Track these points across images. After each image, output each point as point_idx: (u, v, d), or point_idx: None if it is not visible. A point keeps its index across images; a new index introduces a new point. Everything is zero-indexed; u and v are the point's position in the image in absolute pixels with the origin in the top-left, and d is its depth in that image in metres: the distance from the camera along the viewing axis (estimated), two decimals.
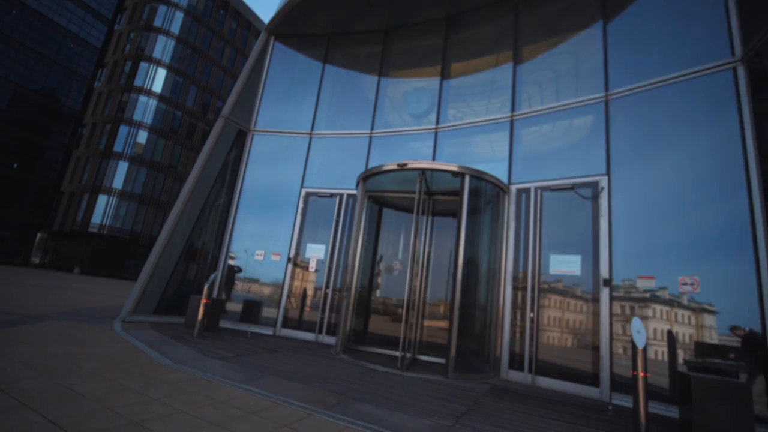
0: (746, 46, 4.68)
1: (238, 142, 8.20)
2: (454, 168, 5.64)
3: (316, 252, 7.17)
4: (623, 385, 4.68)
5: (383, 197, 7.13)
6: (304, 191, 7.62)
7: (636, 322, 3.51)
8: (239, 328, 7.00)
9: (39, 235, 35.23)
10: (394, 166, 5.73)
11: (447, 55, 7.69)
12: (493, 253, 5.93)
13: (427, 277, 6.69)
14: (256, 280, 7.50)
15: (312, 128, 8.10)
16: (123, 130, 32.19)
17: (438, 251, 6.93)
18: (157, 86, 33.43)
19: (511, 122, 6.69)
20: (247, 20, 41.35)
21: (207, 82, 36.89)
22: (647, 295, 4.95)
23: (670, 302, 4.82)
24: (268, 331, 6.99)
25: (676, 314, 4.73)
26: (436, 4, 7.59)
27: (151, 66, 33.44)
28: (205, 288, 5.64)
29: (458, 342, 4.98)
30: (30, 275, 18.91)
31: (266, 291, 7.38)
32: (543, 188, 5.99)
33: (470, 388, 4.35)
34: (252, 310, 7.38)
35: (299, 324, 7.00)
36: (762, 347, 4.01)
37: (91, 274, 29.61)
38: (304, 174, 7.79)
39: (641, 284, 4.96)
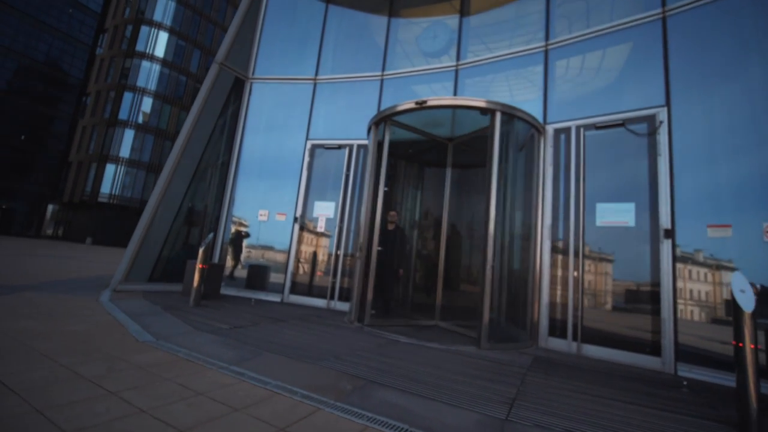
0: None
1: (236, 92, 7.27)
2: (482, 104, 4.68)
3: (324, 210, 6.41)
4: (689, 354, 3.94)
5: (394, 146, 6.21)
6: (309, 143, 6.75)
7: (738, 278, 2.68)
8: (243, 296, 6.43)
9: (51, 207, 35.50)
10: (412, 105, 4.79)
11: None
12: (528, 206, 5.06)
13: (449, 239, 5.91)
14: (260, 243, 6.83)
15: (316, 73, 7.08)
16: (127, 97, 31.26)
17: (461, 209, 6.09)
18: (160, 51, 32.13)
19: (546, 53, 5.61)
20: None
21: (210, 45, 35.25)
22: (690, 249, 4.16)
23: (683, 259, 4.09)
24: (276, 298, 6.40)
25: (690, 271, 4.07)
26: None
27: (152, 29, 32.00)
28: (200, 251, 4.96)
29: (491, 307, 4.26)
30: (40, 246, 18.90)
31: (271, 254, 6.72)
32: (586, 126, 5.03)
33: (509, 360, 3.66)
34: (257, 275, 6.77)
35: (309, 290, 6.39)
36: None
37: (103, 244, 29.88)
38: (309, 124, 6.88)
39: (713, 234, 4.08)
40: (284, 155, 6.91)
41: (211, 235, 5.25)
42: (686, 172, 4.28)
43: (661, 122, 4.52)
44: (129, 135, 32.01)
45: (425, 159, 6.49)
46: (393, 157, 6.37)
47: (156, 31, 32.47)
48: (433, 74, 6.43)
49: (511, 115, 4.77)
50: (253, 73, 7.40)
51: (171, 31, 33.00)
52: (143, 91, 32.03)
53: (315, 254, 6.45)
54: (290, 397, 2.20)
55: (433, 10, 6.87)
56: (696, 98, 4.34)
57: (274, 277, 6.65)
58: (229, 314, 4.64)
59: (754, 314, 2.50)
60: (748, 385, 2.38)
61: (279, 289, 6.49)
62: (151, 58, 32.14)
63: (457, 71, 6.23)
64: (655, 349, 4.07)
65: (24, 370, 2.24)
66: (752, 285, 3.65)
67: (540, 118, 5.30)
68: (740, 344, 2.45)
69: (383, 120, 5.19)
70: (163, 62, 32.64)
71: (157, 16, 32.61)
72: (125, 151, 32.00)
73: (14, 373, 2.18)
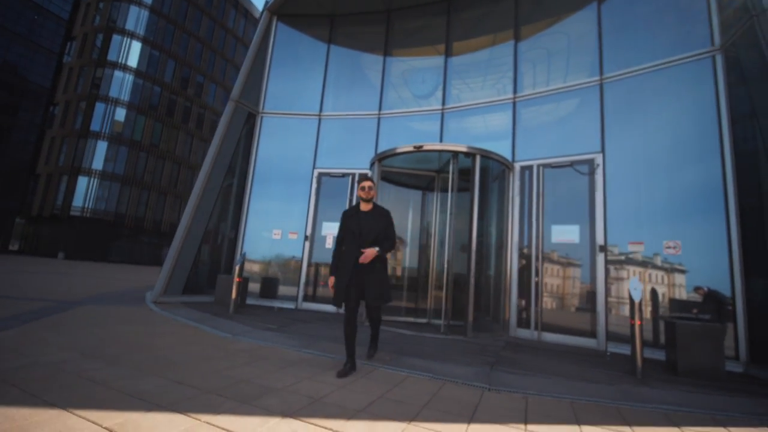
0: (724, 36, 5.21)
1: (247, 124, 8.33)
2: (465, 149, 6.06)
3: (332, 230, 7.57)
4: (616, 336, 5.43)
5: (392, 175, 7.50)
6: (316, 172, 7.93)
7: (633, 280, 4.15)
8: (262, 304, 7.46)
9: (17, 221, 34.15)
10: (410, 148, 6.10)
11: (450, 37, 7.94)
12: (501, 225, 6.49)
13: (438, 250, 7.24)
14: (274, 258, 7.88)
15: (320, 110, 8.29)
16: (99, 107, 30.87)
17: (447, 225, 7.44)
18: (133, 60, 31.91)
19: (514, 104, 7.10)
20: None
21: (185, 55, 35.30)
22: (622, 257, 5.66)
23: (644, 263, 5.53)
24: (290, 305, 7.47)
25: (650, 275, 5.44)
26: None
27: (125, 39, 31.76)
28: (237, 267, 6.03)
29: (473, 307, 5.60)
30: (16, 262, 18.67)
31: (285, 267, 7.80)
32: (544, 165, 6.51)
33: (488, 344, 5.00)
34: (270, 286, 7.82)
35: (320, 297, 7.50)
36: (720, 303, 4.77)
37: (75, 259, 29.17)
38: (316, 155, 8.06)
39: (632, 249, 5.64)
40: (294, 182, 8.04)
41: (243, 255, 6.30)
42: (615, 202, 5.81)
43: (597, 165, 6.06)
44: (102, 146, 31.56)
45: (418, 185, 7.82)
46: (389, 182, 7.68)
47: (129, 40, 32.31)
48: (422, 115, 7.81)
49: (487, 157, 6.18)
50: (263, 108, 8.50)
51: (144, 41, 32.92)
52: (116, 102, 31.74)
53: (319, 267, 7.59)
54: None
55: (422, 51, 8.30)
56: (623, 146, 5.85)
57: (285, 287, 7.73)
58: (266, 318, 5.73)
59: (640, 303, 3.94)
60: (636, 347, 3.81)
61: (290, 298, 7.57)
62: (124, 67, 31.95)
63: (442, 114, 7.64)
64: (593, 334, 5.55)
65: (173, 354, 3.30)
66: (701, 288, 5.07)
67: (509, 157, 6.75)
68: (632, 321, 3.89)
69: (386, 157, 6.48)
70: (137, 72, 32.49)
71: (130, 25, 32.45)
72: (98, 163, 31.49)
73: (169, 354, 3.25)
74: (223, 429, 1.91)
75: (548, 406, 2.60)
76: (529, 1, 7.34)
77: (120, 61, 31.66)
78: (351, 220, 3.44)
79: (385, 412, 2.29)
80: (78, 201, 30.83)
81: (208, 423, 1.96)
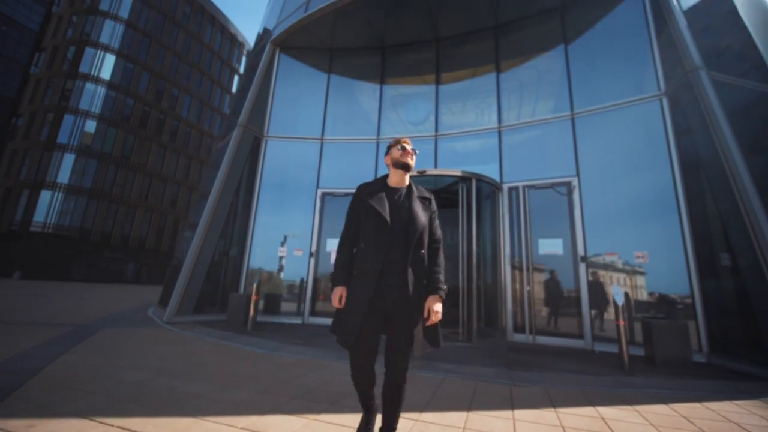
0: (668, 84, 6.35)
1: (253, 147, 8.70)
2: (460, 173, 6.77)
3: (336, 246, 8.02)
4: (600, 336, 6.23)
5: None
6: (320, 191, 8.40)
7: (615, 287, 4.95)
8: (270, 320, 7.76)
9: None
10: (415, 173, 6.73)
11: (440, 70, 8.79)
12: (494, 240, 7.22)
13: None
14: (280, 274, 8.22)
15: (323, 134, 8.81)
16: (68, 119, 29.66)
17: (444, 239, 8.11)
18: (106, 73, 31.08)
19: (499, 132, 7.95)
20: (200, 5, 39.18)
21: (161, 68, 34.72)
22: (601, 266, 6.52)
23: (618, 270, 6.41)
24: (297, 320, 7.83)
25: (623, 280, 6.35)
26: (426, 29, 8.61)
27: (99, 52, 30.94)
28: (254, 286, 6.38)
29: (477, 315, 6.24)
30: None
31: (290, 284, 8.16)
32: (529, 187, 7.35)
33: (493, 347, 5.64)
34: (274, 302, 8.15)
35: (323, 312, 7.90)
36: (670, 304, 5.78)
37: (35, 278, 27.60)
38: (319, 176, 8.54)
39: (608, 258, 6.51)
40: (298, 201, 8.47)
41: (259, 275, 6.64)
42: (592, 217, 6.68)
43: (574, 187, 6.95)
44: (69, 159, 30.25)
45: None
46: None
47: (102, 53, 31.57)
48: (418, 140, 8.49)
49: (481, 180, 6.92)
50: (267, 132, 8.91)
51: (119, 54, 32.23)
52: (86, 114, 30.65)
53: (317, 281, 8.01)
54: None
55: (415, 80, 9.10)
56: (595, 170, 6.80)
57: (288, 303, 8.08)
58: (285, 334, 6.10)
59: (623, 306, 4.71)
60: (622, 343, 4.56)
61: (293, 312, 7.91)
62: (96, 80, 31.05)
63: (436, 139, 8.37)
64: (580, 335, 6.32)
65: (231, 370, 3.69)
66: (654, 293, 5.98)
67: (498, 179, 7.54)
68: (617, 322, 4.65)
69: None
70: (110, 84, 31.62)
71: (104, 39, 31.76)
72: (64, 177, 30.13)
73: (231, 370, 3.64)
74: (331, 423, 2.40)
75: (565, 394, 3.24)
76: (507, 42, 8.29)
77: (92, 73, 30.74)
78: (378, 201, 2.00)
79: (445, 405, 2.85)
80: (40, 216, 29.27)
81: (316, 420, 2.44)
